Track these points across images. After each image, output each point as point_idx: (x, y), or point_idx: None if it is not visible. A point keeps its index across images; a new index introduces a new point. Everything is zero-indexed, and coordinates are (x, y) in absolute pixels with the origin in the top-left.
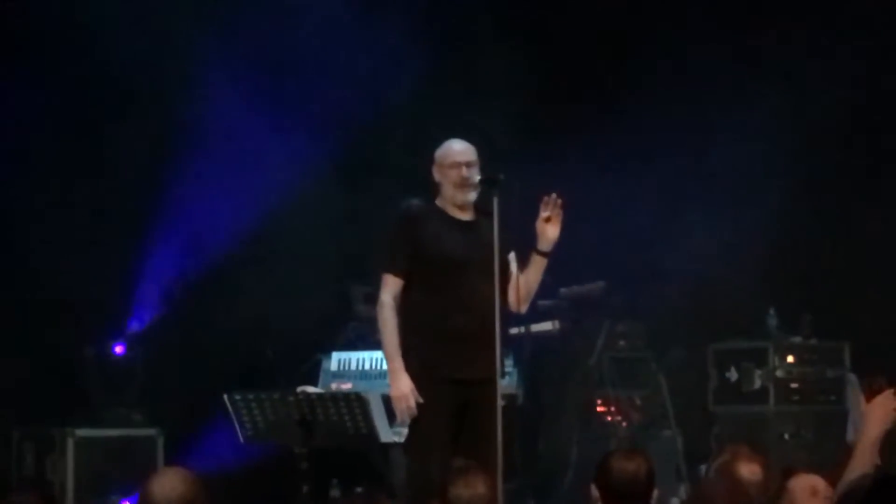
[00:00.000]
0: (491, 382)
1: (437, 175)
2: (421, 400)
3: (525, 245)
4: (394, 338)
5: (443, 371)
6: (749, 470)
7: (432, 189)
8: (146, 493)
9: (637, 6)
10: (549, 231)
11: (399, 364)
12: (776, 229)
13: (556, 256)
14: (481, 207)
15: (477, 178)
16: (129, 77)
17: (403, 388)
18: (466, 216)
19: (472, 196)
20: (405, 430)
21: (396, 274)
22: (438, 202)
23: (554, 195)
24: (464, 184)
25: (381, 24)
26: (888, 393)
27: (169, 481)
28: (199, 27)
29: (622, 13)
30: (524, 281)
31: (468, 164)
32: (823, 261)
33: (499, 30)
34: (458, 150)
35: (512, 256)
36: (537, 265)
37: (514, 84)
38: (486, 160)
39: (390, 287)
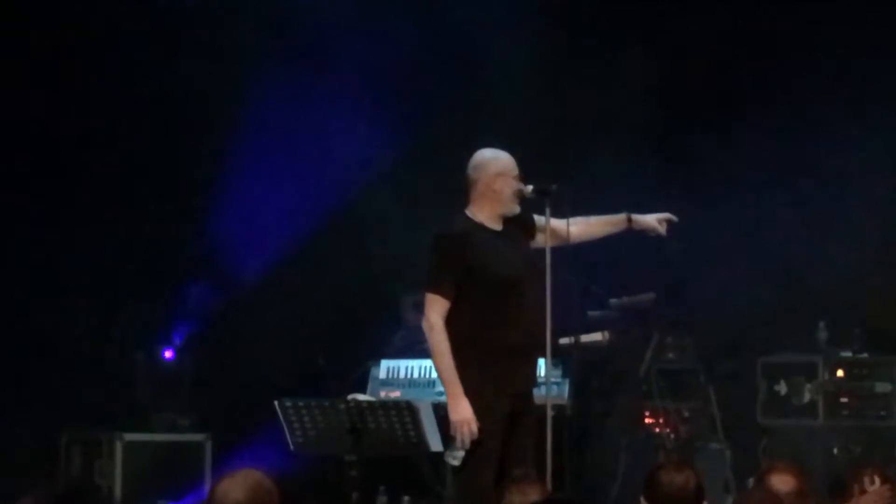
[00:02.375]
0: (531, 392)
1: (496, 184)
2: (478, 423)
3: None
4: (451, 361)
5: (499, 386)
6: (781, 481)
7: (466, 200)
8: (211, 496)
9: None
10: (651, 226)
11: (459, 389)
12: (827, 243)
13: (608, 266)
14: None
15: (528, 187)
16: (181, 70)
17: (466, 413)
18: (500, 226)
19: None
20: (461, 454)
21: (446, 296)
22: (477, 215)
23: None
24: (517, 195)
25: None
26: (882, 489)
27: (234, 487)
28: (255, 20)
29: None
30: (592, 226)
31: (517, 176)
32: (874, 275)
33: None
34: (511, 160)
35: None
36: (615, 224)
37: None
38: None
39: (440, 308)
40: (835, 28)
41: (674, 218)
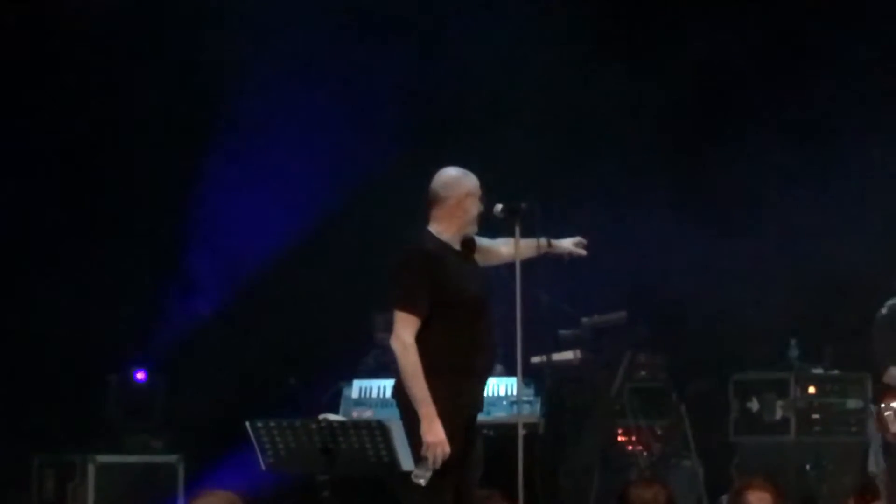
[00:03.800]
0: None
1: (458, 205)
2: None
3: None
4: (424, 382)
5: (464, 409)
6: (757, 497)
7: (427, 217)
8: None
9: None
10: (567, 251)
11: (433, 409)
12: (798, 261)
13: (579, 285)
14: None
15: (498, 206)
16: (164, 79)
17: (441, 434)
18: (458, 247)
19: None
20: (429, 474)
21: (419, 314)
22: (441, 234)
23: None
24: (480, 216)
25: None
26: None
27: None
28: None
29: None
30: (511, 248)
31: (482, 197)
32: (844, 292)
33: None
34: (477, 181)
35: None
36: (536, 248)
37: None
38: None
39: (412, 327)
40: (853, 36)
41: (583, 241)
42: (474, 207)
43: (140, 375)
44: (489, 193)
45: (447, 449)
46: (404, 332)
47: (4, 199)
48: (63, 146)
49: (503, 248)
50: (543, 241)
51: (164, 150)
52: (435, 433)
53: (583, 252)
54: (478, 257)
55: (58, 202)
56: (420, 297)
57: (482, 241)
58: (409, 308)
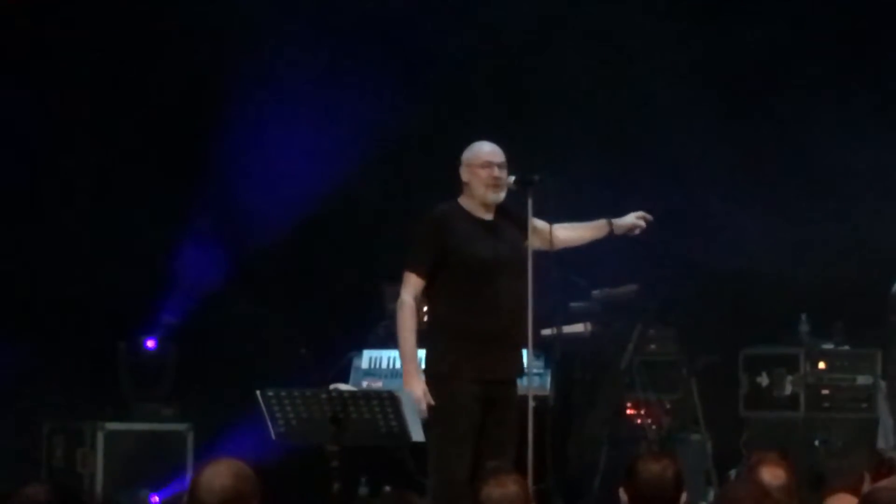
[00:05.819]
0: (513, 383)
1: (465, 175)
2: (433, 402)
3: None
4: (412, 339)
5: (472, 373)
6: (772, 474)
7: (458, 189)
8: (195, 483)
9: None
10: (633, 225)
11: (415, 366)
12: (809, 235)
13: (590, 258)
14: (502, 208)
15: (510, 178)
16: (175, 47)
17: (418, 390)
18: (489, 216)
19: (502, 196)
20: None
21: (420, 274)
22: (463, 203)
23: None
24: (494, 184)
25: None
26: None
27: (219, 474)
28: None
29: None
30: (576, 231)
31: (499, 165)
32: (856, 267)
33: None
34: (488, 150)
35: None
36: (598, 229)
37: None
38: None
39: (412, 287)
40: None
41: (648, 217)
42: (475, 177)
43: (150, 343)
44: (528, 165)
45: (423, 406)
46: (404, 291)
47: (10, 167)
48: (71, 105)
49: (578, 230)
50: (605, 221)
51: (180, 108)
52: (411, 390)
53: (643, 224)
54: (563, 236)
55: (67, 166)
56: (421, 257)
57: (549, 227)
58: (409, 268)
